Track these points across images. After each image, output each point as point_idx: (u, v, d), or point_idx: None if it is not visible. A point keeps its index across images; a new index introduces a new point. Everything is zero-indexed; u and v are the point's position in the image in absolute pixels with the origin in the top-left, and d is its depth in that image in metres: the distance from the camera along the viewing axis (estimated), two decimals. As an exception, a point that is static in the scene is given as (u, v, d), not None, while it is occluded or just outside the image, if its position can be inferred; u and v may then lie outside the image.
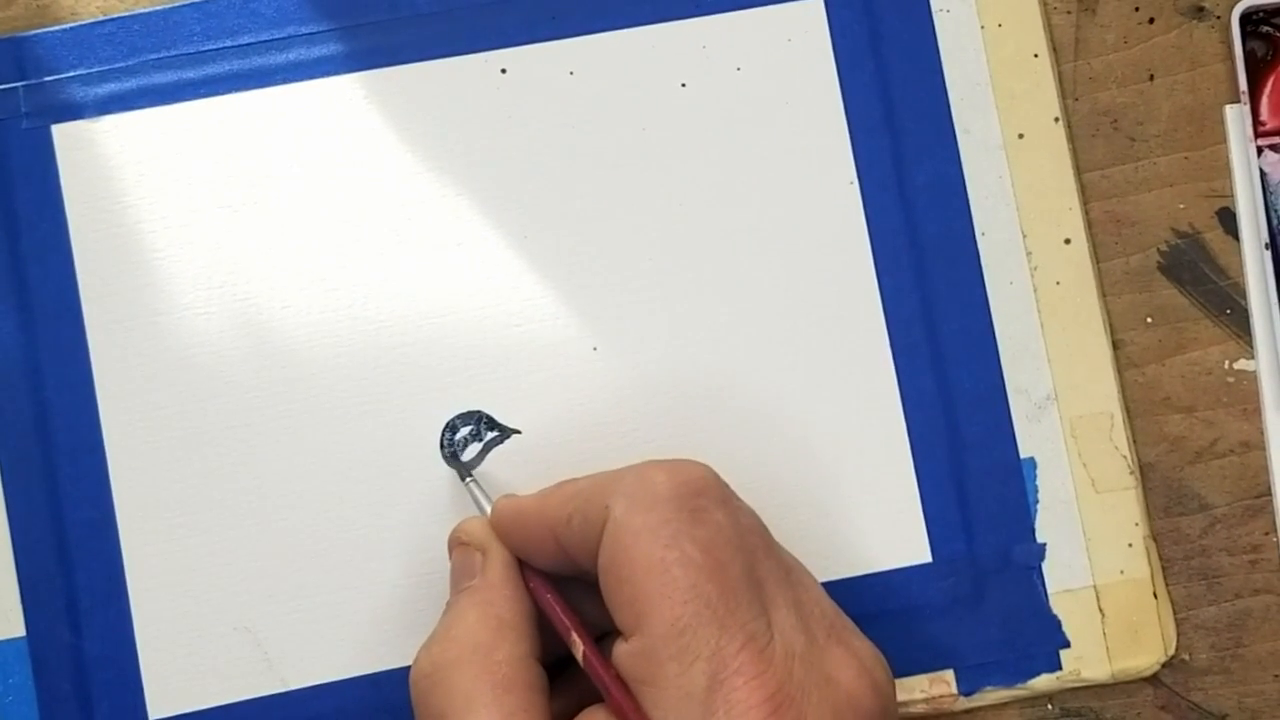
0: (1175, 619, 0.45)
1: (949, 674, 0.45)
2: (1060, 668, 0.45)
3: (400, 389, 0.45)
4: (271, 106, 0.45)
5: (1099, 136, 0.47)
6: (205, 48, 0.45)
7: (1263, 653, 0.46)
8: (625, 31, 0.46)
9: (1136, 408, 0.46)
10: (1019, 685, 0.45)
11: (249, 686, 0.44)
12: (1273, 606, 0.46)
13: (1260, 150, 0.46)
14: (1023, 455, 0.45)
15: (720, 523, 0.37)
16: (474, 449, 0.44)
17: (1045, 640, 0.45)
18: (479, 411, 0.45)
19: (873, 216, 0.46)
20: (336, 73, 0.46)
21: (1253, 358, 0.46)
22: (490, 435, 0.44)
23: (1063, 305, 0.46)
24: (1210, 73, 0.47)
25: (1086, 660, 0.45)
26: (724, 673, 0.35)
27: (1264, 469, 0.46)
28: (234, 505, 0.44)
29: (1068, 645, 0.45)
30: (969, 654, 0.45)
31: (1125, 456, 0.45)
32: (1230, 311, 0.46)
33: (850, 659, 0.37)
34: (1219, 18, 0.47)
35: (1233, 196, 0.47)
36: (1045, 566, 0.45)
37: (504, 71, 0.46)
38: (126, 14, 0.46)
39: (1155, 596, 0.45)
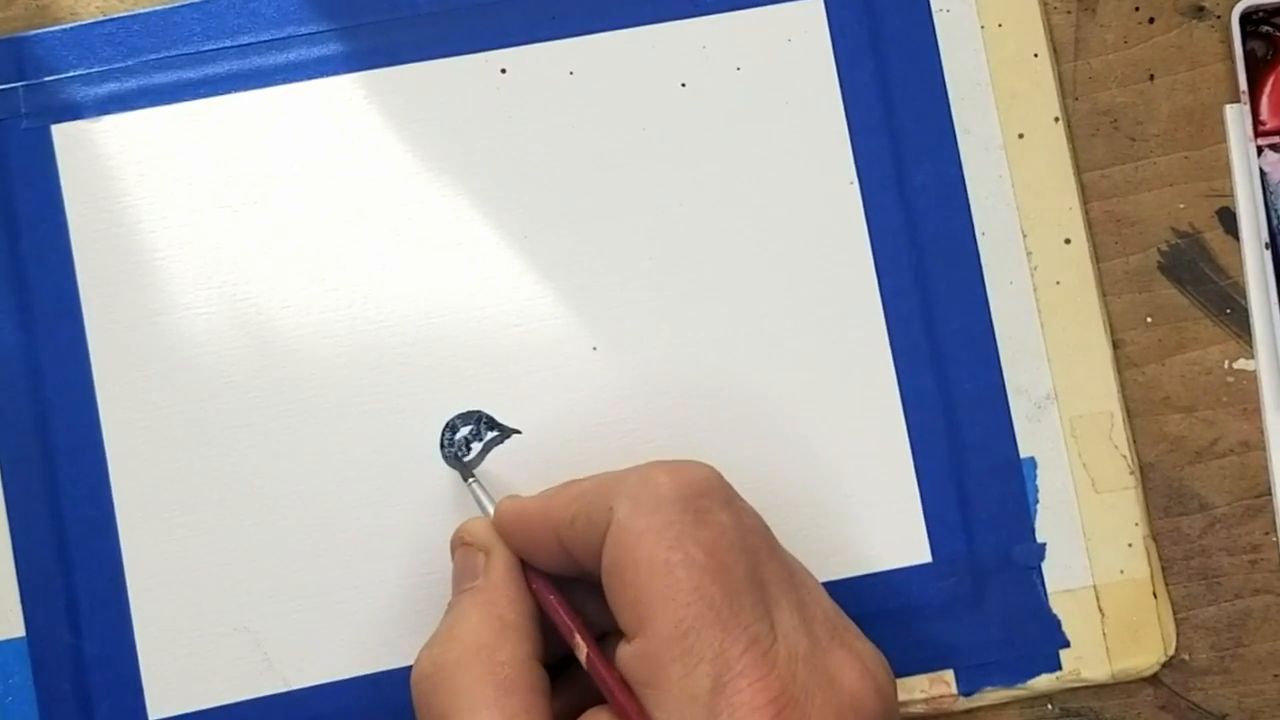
0: (1175, 619, 0.45)
1: (949, 674, 0.45)
2: (1060, 668, 0.45)
3: (400, 389, 0.45)
4: (271, 106, 0.45)
5: (1099, 136, 0.47)
6: (205, 48, 0.45)
7: (1262, 653, 0.46)
8: (625, 31, 0.46)
9: (1136, 407, 0.46)
10: (1019, 685, 0.45)
11: (249, 686, 0.44)
12: (1273, 606, 0.46)
13: (1260, 150, 0.46)
14: (1023, 455, 0.45)
15: (724, 524, 0.37)
16: (474, 449, 0.44)
17: (1045, 640, 0.45)
18: (479, 411, 0.45)
19: (873, 216, 0.46)
20: (336, 73, 0.46)
21: (1253, 357, 0.46)
22: (490, 435, 0.44)
23: (1063, 305, 0.46)
24: (1210, 72, 0.47)
25: (1086, 660, 0.45)
26: (728, 675, 0.35)
27: (1264, 469, 0.46)
28: (234, 505, 0.44)
29: (1067, 645, 0.45)
30: (969, 654, 0.45)
31: (1125, 456, 0.45)
32: (1230, 311, 0.46)
33: (853, 661, 0.37)
34: (1219, 17, 0.47)
35: (1233, 196, 0.47)
36: (1045, 566, 0.45)
37: (504, 71, 0.46)
38: (126, 14, 0.46)
39: (1155, 596, 0.45)
